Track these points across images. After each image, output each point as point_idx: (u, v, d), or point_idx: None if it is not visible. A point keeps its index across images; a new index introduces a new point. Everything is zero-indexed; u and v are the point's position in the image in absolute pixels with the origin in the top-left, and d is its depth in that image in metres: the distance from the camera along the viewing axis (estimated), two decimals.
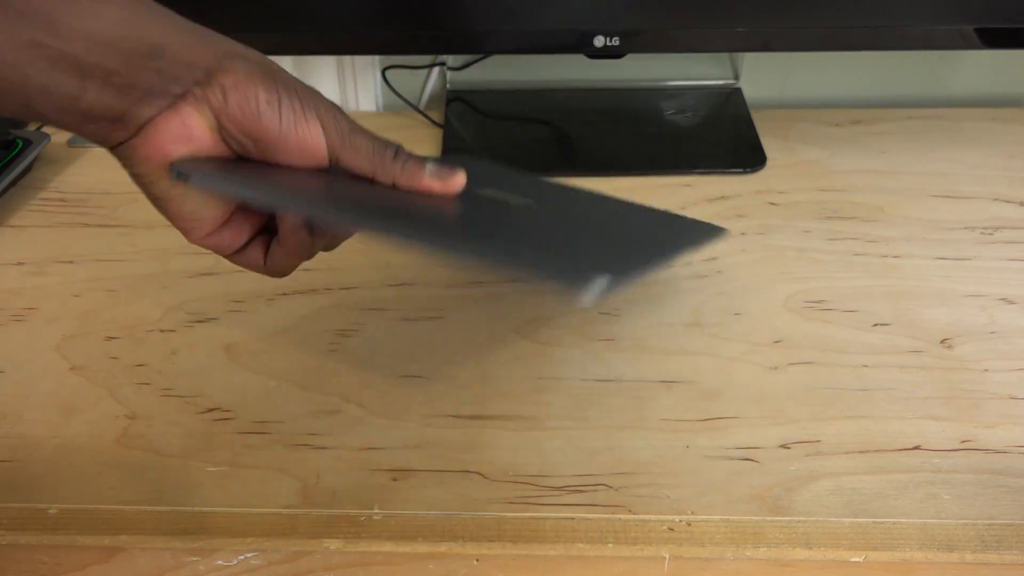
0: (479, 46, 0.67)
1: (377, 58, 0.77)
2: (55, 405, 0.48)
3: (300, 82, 0.38)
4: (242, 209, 0.40)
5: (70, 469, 0.44)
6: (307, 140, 0.37)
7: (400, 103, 0.76)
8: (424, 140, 0.72)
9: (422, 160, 0.40)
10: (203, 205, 0.38)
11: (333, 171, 0.39)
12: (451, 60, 0.77)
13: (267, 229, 0.42)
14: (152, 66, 0.35)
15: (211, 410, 0.47)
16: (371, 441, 0.46)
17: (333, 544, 0.40)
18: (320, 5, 0.61)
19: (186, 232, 0.40)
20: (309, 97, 0.37)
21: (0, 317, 0.54)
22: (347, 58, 0.76)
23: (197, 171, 0.36)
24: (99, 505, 0.42)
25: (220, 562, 0.41)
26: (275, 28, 0.62)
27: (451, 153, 0.70)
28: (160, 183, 0.37)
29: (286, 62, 0.76)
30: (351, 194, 0.39)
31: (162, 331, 0.53)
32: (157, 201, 0.38)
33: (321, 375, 0.49)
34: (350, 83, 0.77)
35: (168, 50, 0.35)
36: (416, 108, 0.76)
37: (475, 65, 0.77)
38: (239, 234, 0.40)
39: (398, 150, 0.40)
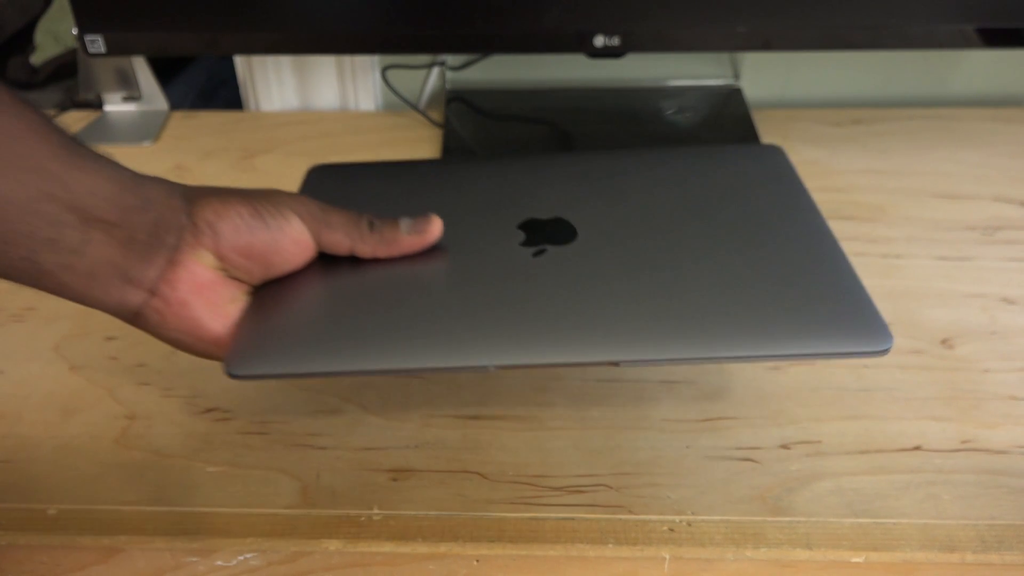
0: (479, 46, 0.67)
1: (377, 58, 0.77)
2: (55, 405, 0.48)
3: (257, 189, 0.40)
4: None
5: (69, 469, 0.44)
6: (293, 234, 0.39)
7: (400, 103, 0.76)
8: (424, 140, 0.72)
9: (395, 221, 0.42)
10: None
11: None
12: (451, 60, 0.77)
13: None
14: (147, 219, 0.37)
15: (211, 410, 0.47)
16: (371, 441, 0.45)
17: (333, 544, 0.40)
18: (320, 5, 0.61)
19: None
20: (274, 196, 0.40)
21: (0, 317, 0.54)
22: (347, 58, 0.76)
23: (253, 362, 0.38)
24: (98, 506, 0.42)
25: (220, 562, 0.41)
26: (275, 27, 0.62)
27: (451, 153, 0.70)
28: (205, 338, 0.39)
29: (286, 62, 0.76)
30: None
31: None
32: (210, 347, 0.40)
33: None
34: (350, 83, 0.77)
35: (155, 202, 0.37)
36: (416, 108, 0.76)
37: (475, 65, 0.77)
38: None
39: (372, 220, 0.41)
